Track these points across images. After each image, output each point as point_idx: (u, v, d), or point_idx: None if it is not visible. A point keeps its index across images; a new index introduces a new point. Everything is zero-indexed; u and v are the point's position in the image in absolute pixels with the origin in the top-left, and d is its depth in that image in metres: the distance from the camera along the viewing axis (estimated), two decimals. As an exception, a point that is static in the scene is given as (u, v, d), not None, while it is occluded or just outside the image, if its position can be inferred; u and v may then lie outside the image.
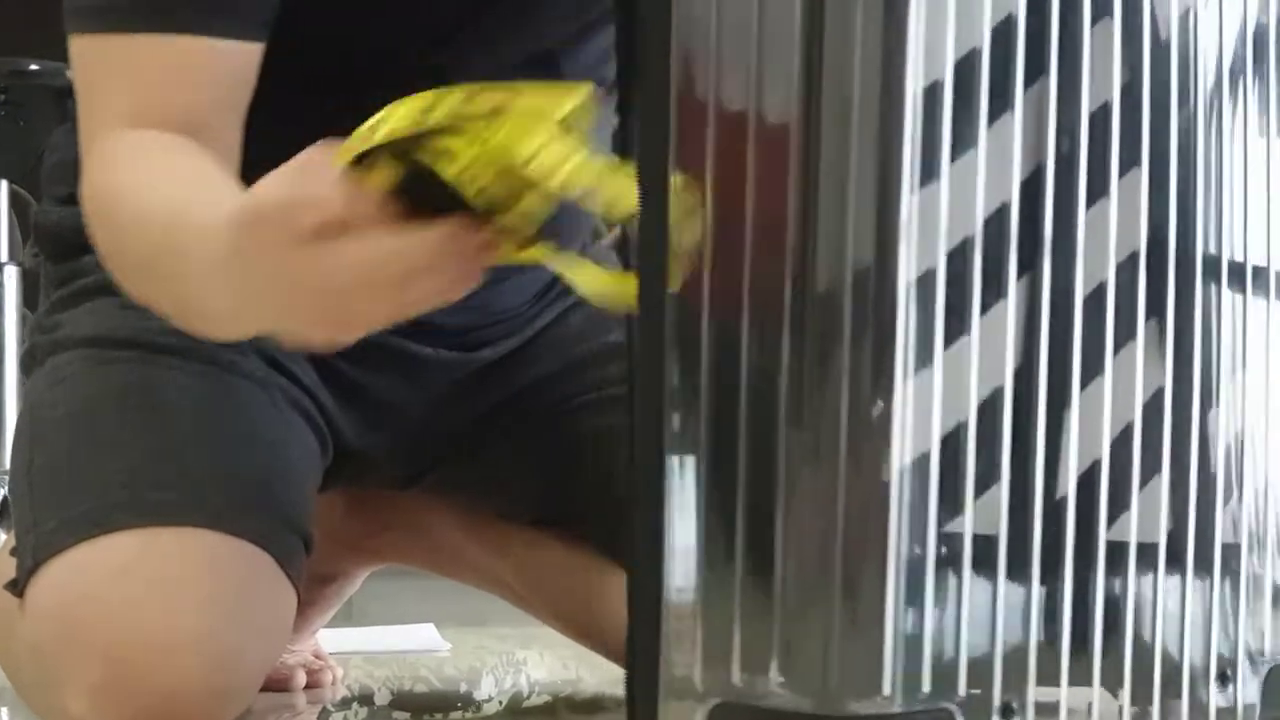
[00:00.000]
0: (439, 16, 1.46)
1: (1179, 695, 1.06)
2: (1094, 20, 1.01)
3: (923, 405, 0.94)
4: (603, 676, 1.66)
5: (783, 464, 0.94)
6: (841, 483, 0.93)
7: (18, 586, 1.38)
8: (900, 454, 0.93)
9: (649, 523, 0.99)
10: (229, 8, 1.34)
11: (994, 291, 0.96)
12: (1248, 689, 1.10)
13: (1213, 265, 1.08)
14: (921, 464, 0.94)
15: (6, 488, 1.40)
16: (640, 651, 0.99)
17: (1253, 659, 1.10)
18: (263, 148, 1.41)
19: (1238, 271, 1.09)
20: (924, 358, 0.94)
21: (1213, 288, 1.08)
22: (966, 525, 0.96)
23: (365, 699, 1.73)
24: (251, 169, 1.44)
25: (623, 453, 1.25)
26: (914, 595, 0.94)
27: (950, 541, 0.95)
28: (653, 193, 0.99)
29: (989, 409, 0.96)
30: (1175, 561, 1.07)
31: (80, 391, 1.41)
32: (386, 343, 1.54)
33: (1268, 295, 1.11)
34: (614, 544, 1.47)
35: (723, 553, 0.97)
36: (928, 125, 0.94)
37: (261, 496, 1.41)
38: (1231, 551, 1.10)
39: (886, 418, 0.93)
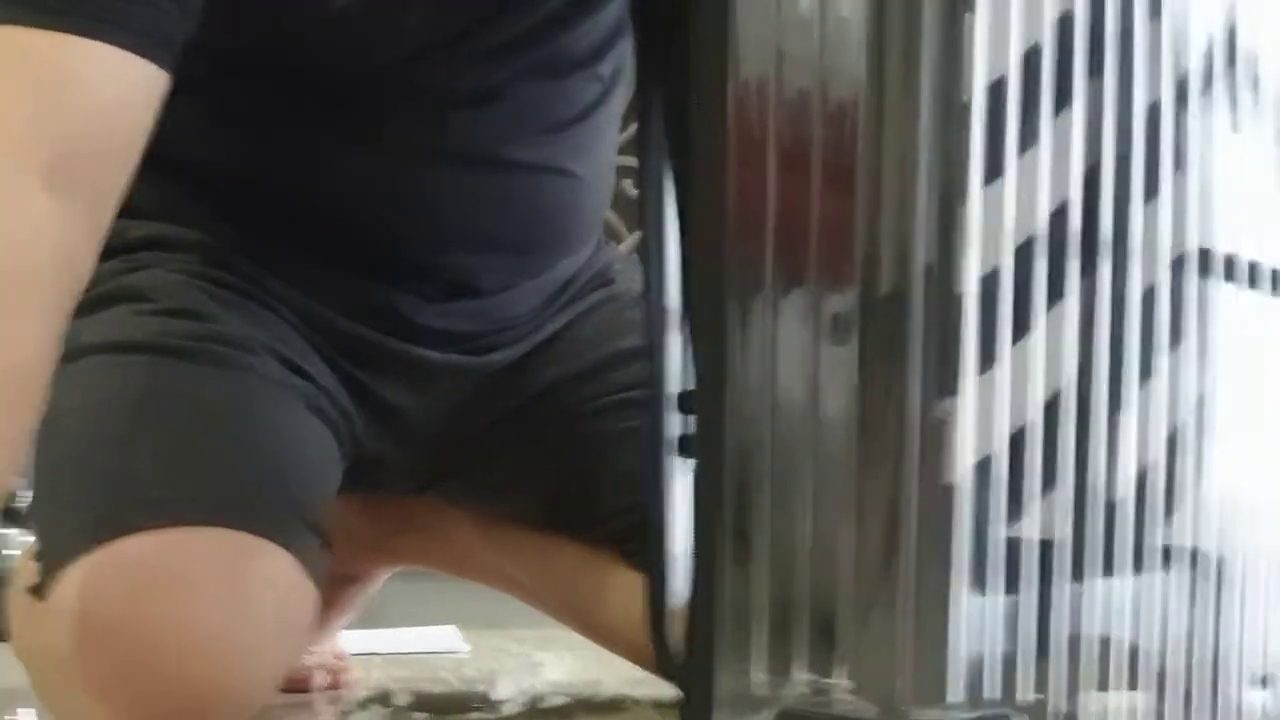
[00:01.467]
0: (426, 29, 1.44)
1: (1217, 694, 1.06)
2: (1152, 15, 1.00)
3: (987, 407, 0.93)
4: (621, 677, 1.65)
5: (848, 469, 0.93)
6: (909, 485, 0.92)
7: (40, 590, 1.37)
8: (965, 456, 0.92)
9: (706, 532, 0.98)
10: (137, 25, 1.24)
11: (1056, 291, 0.96)
12: None
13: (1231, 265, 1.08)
14: (984, 467, 0.93)
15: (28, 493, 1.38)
16: (698, 665, 0.98)
17: None
18: (281, 160, 1.41)
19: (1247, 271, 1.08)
20: (988, 357, 0.94)
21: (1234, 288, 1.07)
22: (1028, 529, 0.95)
23: (385, 700, 1.72)
24: (274, 179, 1.44)
25: (636, 455, 1.26)
26: (980, 602, 0.93)
27: (1012, 546, 0.94)
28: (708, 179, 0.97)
29: (1052, 412, 0.96)
30: (1222, 564, 1.07)
31: (97, 395, 1.40)
32: (394, 348, 1.55)
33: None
34: (629, 545, 1.46)
35: (785, 560, 0.95)
36: (993, 131, 0.93)
37: (280, 496, 1.40)
38: (1273, 559, 1.09)
39: (953, 419, 0.92)
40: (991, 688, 0.94)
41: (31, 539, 1.45)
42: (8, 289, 1.18)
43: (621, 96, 1.57)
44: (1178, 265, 1.02)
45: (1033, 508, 0.95)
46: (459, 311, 1.56)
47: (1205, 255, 1.03)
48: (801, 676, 0.94)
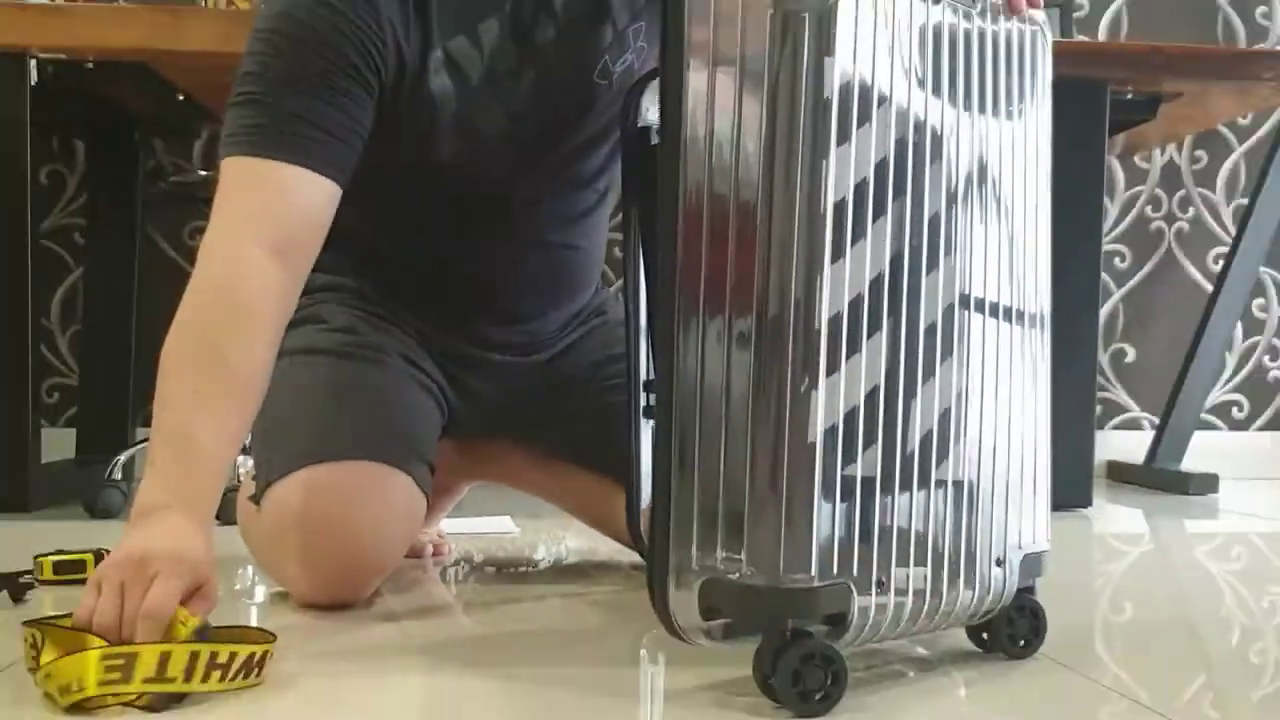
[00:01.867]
0: (499, 165, 1.45)
1: (973, 570, 1.06)
2: (932, 160, 1.01)
3: (833, 394, 0.94)
4: (611, 548, 1.67)
5: (747, 429, 0.94)
6: (785, 440, 0.93)
7: (256, 499, 1.38)
8: (820, 423, 0.94)
9: (661, 466, 0.98)
10: (320, 153, 1.28)
11: (875, 325, 0.97)
12: (1013, 568, 1.09)
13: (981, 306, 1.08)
14: (831, 431, 0.94)
15: (251, 438, 1.39)
16: (658, 547, 0.98)
17: (1017, 549, 1.09)
18: (403, 239, 1.41)
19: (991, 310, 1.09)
20: (834, 364, 0.95)
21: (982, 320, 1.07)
22: (858, 468, 0.96)
23: (468, 560, 1.73)
24: (398, 250, 1.44)
25: (620, 417, 1.27)
26: (827, 512, 0.94)
27: (848, 479, 0.96)
28: (666, 249, 0.98)
29: (871, 398, 0.97)
30: (974, 489, 1.06)
31: (295, 381, 1.41)
32: (474, 353, 1.56)
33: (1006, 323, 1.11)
34: (616, 471, 1.47)
35: (709, 483, 0.96)
36: (838, 224, 0.94)
37: (405, 441, 1.42)
38: (1006, 486, 1.09)
39: (812, 400, 0.93)
40: (834, 565, 0.95)
41: (250, 465, 1.46)
42: (254, 322, 1.21)
43: (611, 200, 1.57)
44: (948, 310, 1.03)
45: (859, 455, 0.96)
46: (513, 331, 1.56)
47: (965, 299, 1.05)
48: (719, 555, 0.95)
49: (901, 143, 0.98)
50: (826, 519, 0.94)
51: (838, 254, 0.94)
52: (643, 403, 1.31)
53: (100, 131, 2.76)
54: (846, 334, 0.94)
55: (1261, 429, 3.22)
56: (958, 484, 1.05)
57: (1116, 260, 3.16)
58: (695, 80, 0.97)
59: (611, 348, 1.58)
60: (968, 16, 1.05)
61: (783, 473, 0.92)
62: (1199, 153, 3.20)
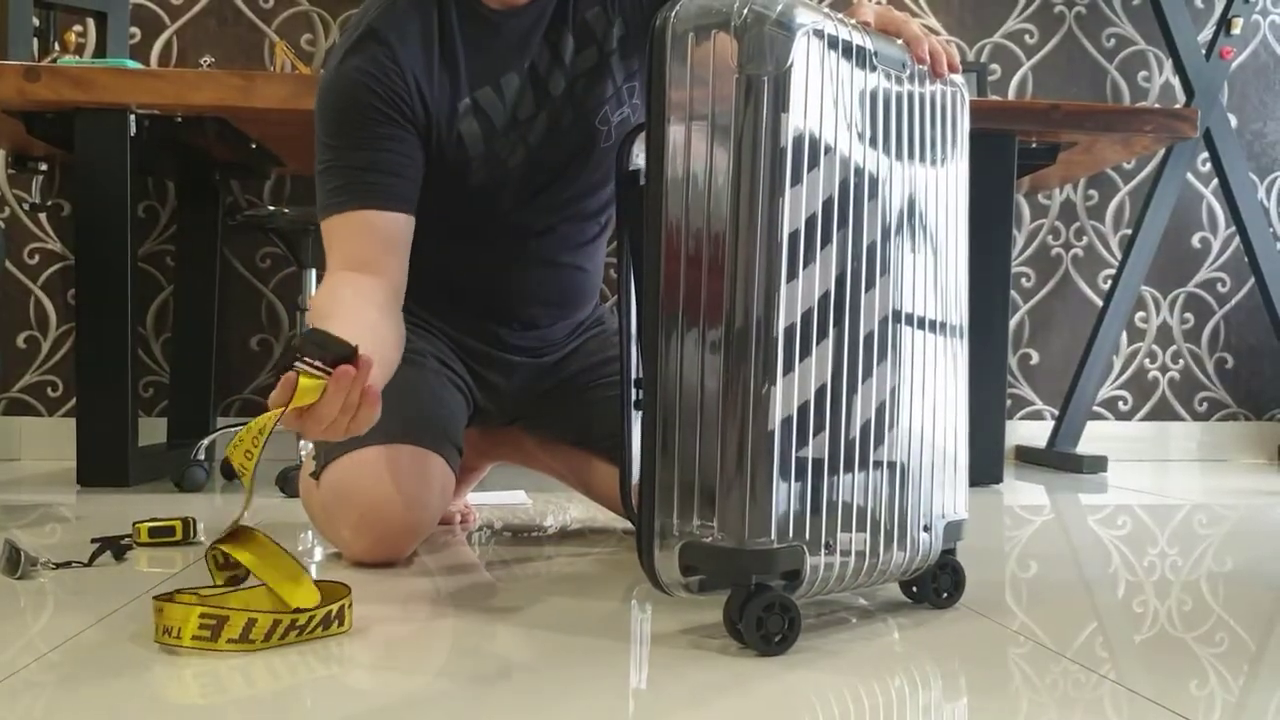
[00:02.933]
0: (520, 196, 1.45)
1: (905, 535, 1.06)
2: (870, 198, 1.00)
3: (788, 391, 0.94)
4: (608, 517, 1.67)
5: (718, 420, 0.94)
6: (749, 428, 0.93)
7: (316, 475, 1.37)
8: (778, 415, 0.94)
9: (648, 447, 0.98)
10: (382, 194, 1.32)
11: (823, 334, 0.97)
12: (937, 534, 1.09)
13: (910, 318, 1.08)
14: (787, 421, 0.95)
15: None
16: (645, 516, 0.98)
17: (941, 518, 1.09)
18: (440, 257, 1.41)
19: (919, 321, 1.09)
20: (789, 366, 0.94)
21: (911, 330, 1.07)
22: (809, 452, 0.96)
23: (490, 527, 1.71)
24: (435, 267, 1.43)
25: (615, 408, 1.26)
26: (784, 488, 0.94)
27: (801, 460, 0.96)
28: (651, 271, 0.97)
29: (820, 394, 0.97)
30: (905, 468, 1.06)
31: None
32: (496, 355, 1.55)
33: (935, 334, 1.11)
34: (611, 453, 1.47)
35: (687, 464, 0.96)
36: (792, 251, 0.94)
37: (439, 429, 1.42)
38: (932, 466, 1.09)
39: (771, 396, 0.93)
40: (790, 530, 0.95)
41: (311, 448, 1.45)
42: (337, 306, 1.24)
43: (609, 231, 1.57)
44: (884, 321, 1.03)
45: (810, 440, 0.96)
46: (529, 337, 1.55)
47: (898, 314, 1.05)
48: (695, 523, 0.96)
49: (844, 184, 0.98)
50: (784, 493, 0.94)
51: (792, 275, 0.94)
52: (633, 397, 1.30)
53: (187, 174, 2.76)
54: (799, 341, 0.94)
55: (1143, 419, 3.22)
56: (892, 464, 1.05)
57: (1023, 280, 3.16)
58: (675, 133, 0.97)
59: (607, 351, 1.59)
60: (899, 80, 1.05)
61: (747, 455, 0.92)
62: (1091, 191, 3.21)
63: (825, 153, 0.96)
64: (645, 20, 1.43)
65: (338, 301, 1.26)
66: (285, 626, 0.97)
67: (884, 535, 1.04)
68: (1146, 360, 3.23)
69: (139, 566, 1.34)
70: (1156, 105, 3.17)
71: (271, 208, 2.36)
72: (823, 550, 0.98)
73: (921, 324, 1.08)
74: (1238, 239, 3.05)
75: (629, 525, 1.62)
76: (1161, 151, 2.93)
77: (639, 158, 1.33)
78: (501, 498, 2.03)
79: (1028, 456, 3.04)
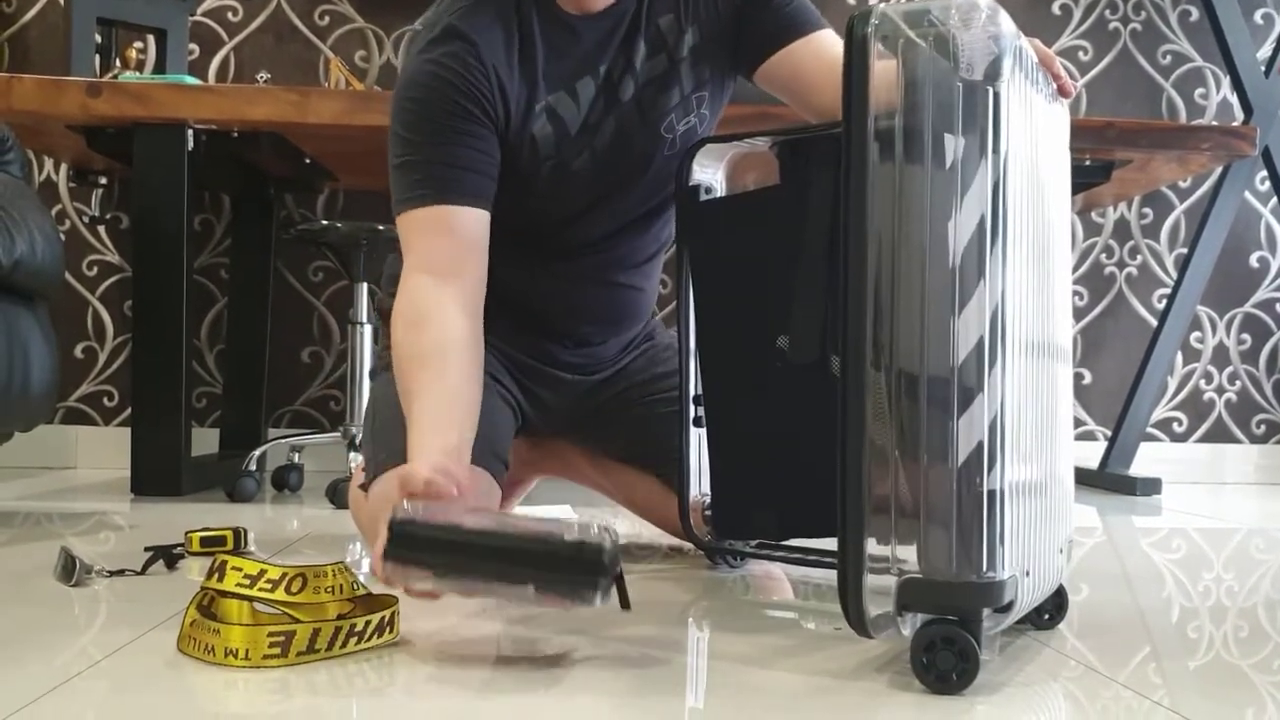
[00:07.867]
0: (584, 201, 1.45)
1: (1052, 559, 1.03)
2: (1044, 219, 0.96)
3: (973, 423, 0.90)
4: (652, 533, 1.67)
5: (924, 459, 0.90)
6: (956, 457, 0.89)
7: (365, 487, 1.39)
8: (984, 441, 0.89)
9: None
10: (463, 189, 1.31)
11: (1016, 356, 0.93)
12: (1068, 556, 1.08)
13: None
14: (977, 452, 0.89)
15: (360, 434, 1.38)
16: (850, 543, 0.92)
17: (1069, 540, 1.09)
18: (498, 271, 1.41)
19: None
20: (993, 392, 0.90)
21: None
22: (1015, 476, 0.92)
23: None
24: (492, 281, 1.43)
25: (672, 426, 1.26)
26: (990, 525, 0.90)
27: (1011, 486, 0.91)
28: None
29: (1015, 418, 0.92)
30: (1058, 495, 1.00)
31: (396, 393, 1.40)
32: (548, 371, 1.55)
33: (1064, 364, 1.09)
34: (663, 471, 1.47)
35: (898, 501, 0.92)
36: (992, 274, 0.90)
37: (485, 443, 1.39)
38: (1068, 491, 1.08)
39: (971, 422, 0.89)
40: (1003, 566, 0.92)
41: (360, 460, 1.46)
42: (424, 329, 1.25)
43: (666, 249, 1.57)
44: (1047, 343, 1.00)
45: (1014, 466, 0.90)
46: (580, 354, 1.55)
47: (1051, 335, 1.01)
48: (913, 560, 0.91)
49: (1035, 204, 0.95)
50: (991, 530, 0.89)
51: (989, 299, 0.89)
52: (692, 414, 1.30)
53: (242, 188, 2.80)
54: (1002, 366, 0.89)
55: (1198, 441, 3.17)
56: (1049, 490, 1.01)
57: (1076, 299, 3.13)
58: (874, 149, 0.91)
59: (656, 367, 1.58)
60: (1049, 99, 1.04)
61: (953, 495, 0.88)
62: (1146, 210, 3.17)
63: (1024, 171, 0.93)
64: (721, 30, 1.43)
65: (424, 362, 1.24)
66: (345, 633, 0.98)
67: (1044, 560, 1.00)
68: (1202, 381, 3.18)
69: (191, 575, 1.36)
70: (1214, 123, 3.13)
71: (325, 222, 2.38)
72: (1023, 577, 0.94)
73: (1059, 354, 1.05)
74: (1297, 259, 3.00)
75: (675, 541, 1.62)
76: (1219, 170, 2.89)
77: (699, 173, 1.33)
78: (548, 512, 2.03)
79: (1080, 478, 2.99)
